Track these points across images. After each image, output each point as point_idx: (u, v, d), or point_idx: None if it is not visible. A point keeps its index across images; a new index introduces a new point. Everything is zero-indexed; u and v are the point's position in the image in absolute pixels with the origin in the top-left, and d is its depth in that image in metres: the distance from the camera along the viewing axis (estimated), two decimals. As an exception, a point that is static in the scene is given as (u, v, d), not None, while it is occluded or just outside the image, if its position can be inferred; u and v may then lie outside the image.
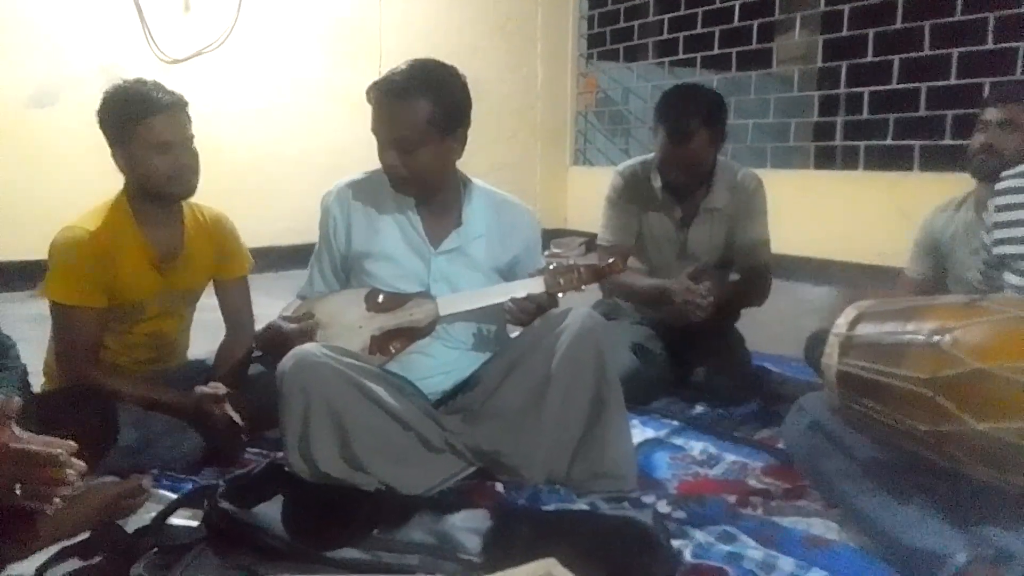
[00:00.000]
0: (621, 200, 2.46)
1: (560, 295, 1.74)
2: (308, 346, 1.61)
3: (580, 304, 1.81)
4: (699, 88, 2.43)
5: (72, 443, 1.11)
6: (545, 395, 1.64)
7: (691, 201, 2.41)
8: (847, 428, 1.47)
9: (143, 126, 1.79)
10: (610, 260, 1.83)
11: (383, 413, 1.61)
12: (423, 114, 1.64)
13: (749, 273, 2.49)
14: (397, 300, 1.76)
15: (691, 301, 2.18)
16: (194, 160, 1.88)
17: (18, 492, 1.08)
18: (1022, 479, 1.21)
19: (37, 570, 1.33)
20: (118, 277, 1.84)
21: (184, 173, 1.85)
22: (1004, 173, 1.57)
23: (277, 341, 1.69)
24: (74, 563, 1.36)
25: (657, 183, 2.40)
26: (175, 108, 1.84)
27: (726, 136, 2.33)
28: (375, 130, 1.69)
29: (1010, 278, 1.45)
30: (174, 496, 1.60)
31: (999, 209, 1.51)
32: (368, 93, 1.68)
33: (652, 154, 2.47)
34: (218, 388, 1.84)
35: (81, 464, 1.11)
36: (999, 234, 1.50)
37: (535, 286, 1.72)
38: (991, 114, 2.09)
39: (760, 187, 2.45)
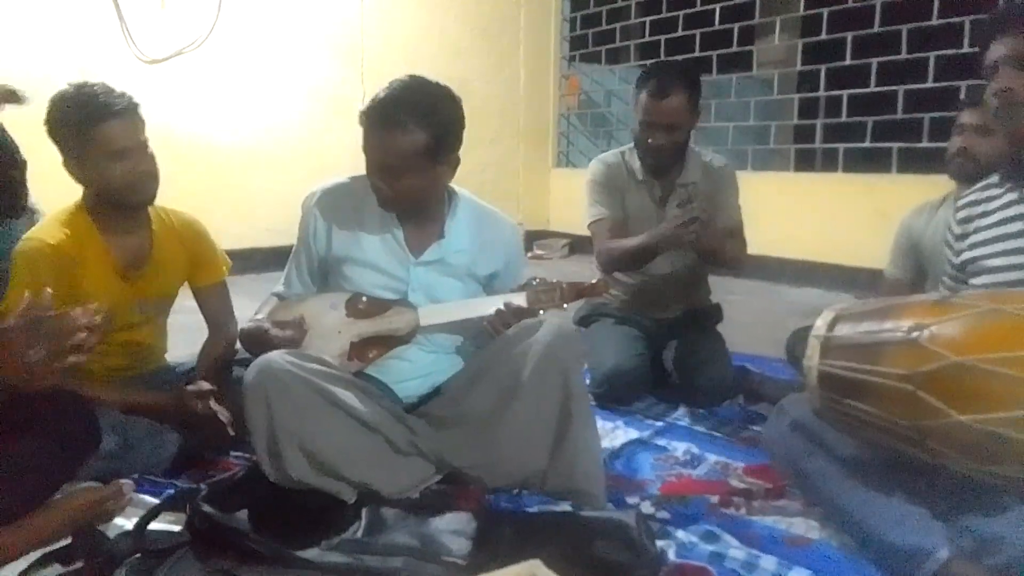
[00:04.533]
0: (603, 180, 2.52)
1: (542, 312, 1.73)
2: (272, 355, 1.58)
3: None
4: (678, 60, 2.58)
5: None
6: (511, 406, 1.63)
7: (667, 179, 2.48)
8: (828, 428, 1.49)
9: (96, 133, 1.71)
10: (593, 280, 1.83)
11: (347, 417, 1.60)
12: (416, 144, 1.62)
13: (726, 234, 2.50)
14: (378, 307, 1.76)
15: (683, 223, 2.21)
16: (152, 165, 1.82)
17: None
18: (1005, 469, 1.23)
19: (18, 576, 1.31)
20: (81, 288, 1.78)
21: (142, 180, 1.79)
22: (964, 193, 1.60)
23: (263, 345, 1.66)
24: (55, 569, 1.35)
25: (636, 164, 2.48)
26: (128, 113, 1.76)
27: (699, 112, 2.40)
28: (365, 151, 1.67)
29: (974, 280, 1.49)
30: (155, 501, 1.58)
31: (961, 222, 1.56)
32: (361, 117, 1.66)
33: (629, 145, 2.55)
34: (202, 386, 1.83)
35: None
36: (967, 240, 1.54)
37: (517, 301, 1.72)
38: (967, 117, 2.13)
39: (730, 167, 2.55)
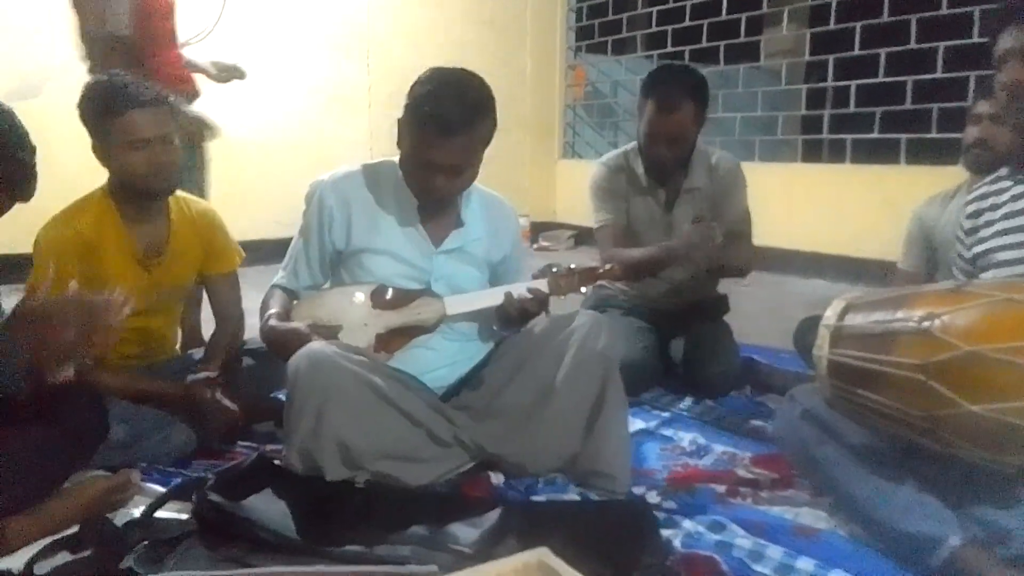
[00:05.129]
0: (606, 186, 2.50)
1: (562, 297, 1.77)
2: (320, 345, 1.58)
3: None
4: (686, 66, 2.54)
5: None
6: (552, 398, 1.65)
7: (673, 183, 2.45)
8: (839, 416, 1.48)
9: (120, 122, 1.76)
10: (607, 265, 1.86)
11: (394, 411, 1.60)
12: (482, 141, 1.65)
13: (732, 239, 2.48)
14: (404, 298, 1.74)
15: (699, 239, 2.21)
16: (174, 157, 1.85)
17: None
18: (1017, 459, 1.23)
19: (27, 564, 1.32)
20: (102, 274, 1.80)
21: (162, 171, 1.82)
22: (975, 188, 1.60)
23: (294, 345, 1.61)
24: (64, 557, 1.35)
25: (640, 169, 2.44)
26: (154, 103, 1.81)
27: (706, 119, 2.37)
28: (427, 154, 1.62)
29: (985, 275, 1.48)
30: (163, 490, 1.59)
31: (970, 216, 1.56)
32: (421, 121, 1.60)
33: (632, 144, 2.51)
34: (209, 373, 1.84)
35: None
36: (976, 235, 1.54)
37: (539, 287, 1.74)
38: (983, 107, 2.11)
39: (737, 167, 2.50)
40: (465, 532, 1.41)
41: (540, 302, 1.73)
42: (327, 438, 1.53)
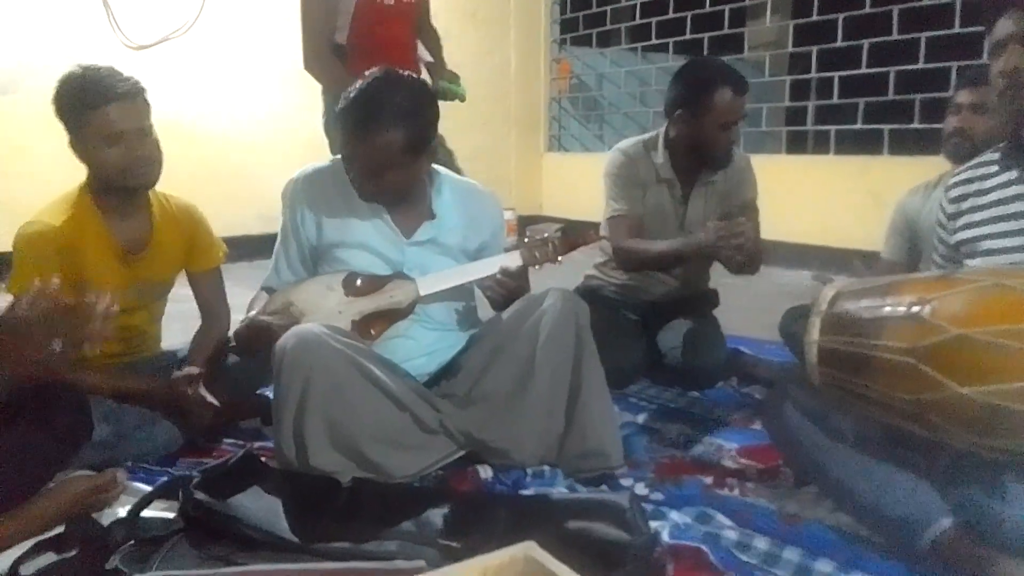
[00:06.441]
0: (626, 173, 2.44)
1: (537, 267, 1.76)
2: (307, 325, 1.60)
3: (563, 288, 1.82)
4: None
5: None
6: (531, 380, 1.66)
7: (690, 176, 2.42)
8: (828, 404, 1.49)
9: (95, 116, 1.72)
10: (589, 232, 1.86)
11: (380, 393, 1.61)
12: (396, 143, 1.63)
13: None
14: (376, 283, 1.75)
15: (729, 236, 2.12)
16: (152, 150, 1.81)
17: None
18: (1005, 443, 1.23)
19: (12, 565, 1.31)
20: (83, 272, 1.78)
21: (140, 164, 1.79)
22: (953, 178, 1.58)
23: (263, 337, 1.65)
24: (49, 557, 1.34)
25: (659, 159, 2.40)
26: (130, 96, 1.76)
27: None
28: (345, 150, 1.68)
29: (969, 262, 1.48)
30: (149, 489, 1.58)
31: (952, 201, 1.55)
32: (339, 116, 1.66)
33: (648, 135, 2.48)
34: (191, 370, 1.83)
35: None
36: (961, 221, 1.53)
37: (512, 260, 1.74)
38: (963, 97, 2.12)
39: (749, 161, 2.51)
40: (452, 526, 1.41)
41: (519, 277, 1.73)
42: (314, 415, 1.54)
